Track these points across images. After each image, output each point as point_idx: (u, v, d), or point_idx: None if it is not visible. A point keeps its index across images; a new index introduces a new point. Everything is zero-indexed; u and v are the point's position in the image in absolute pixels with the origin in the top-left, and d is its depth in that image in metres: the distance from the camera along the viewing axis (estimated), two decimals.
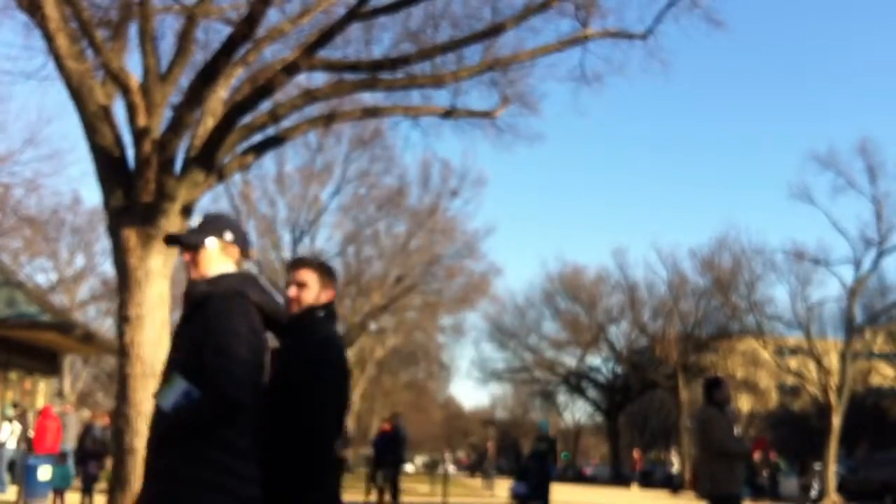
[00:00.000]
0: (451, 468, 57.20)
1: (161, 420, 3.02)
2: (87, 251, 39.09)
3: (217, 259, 3.28)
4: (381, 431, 19.48)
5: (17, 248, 31.34)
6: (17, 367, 21.79)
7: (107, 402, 41.46)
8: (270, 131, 13.51)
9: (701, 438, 7.28)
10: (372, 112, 15.83)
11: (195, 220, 3.36)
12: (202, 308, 3.10)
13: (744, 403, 52.66)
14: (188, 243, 3.29)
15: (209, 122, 12.41)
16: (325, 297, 3.64)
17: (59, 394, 30.44)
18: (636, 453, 47.73)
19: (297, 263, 3.75)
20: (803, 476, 32.76)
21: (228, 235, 3.32)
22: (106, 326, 36.47)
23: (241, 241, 3.38)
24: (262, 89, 12.04)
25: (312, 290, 3.60)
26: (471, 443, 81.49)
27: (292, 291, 3.60)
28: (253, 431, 3.10)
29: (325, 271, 3.73)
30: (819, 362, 33.55)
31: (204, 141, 12.08)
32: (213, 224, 3.34)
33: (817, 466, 32.37)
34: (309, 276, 3.62)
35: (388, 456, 17.83)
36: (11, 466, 16.69)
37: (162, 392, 3.05)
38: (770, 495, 30.89)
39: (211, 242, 3.28)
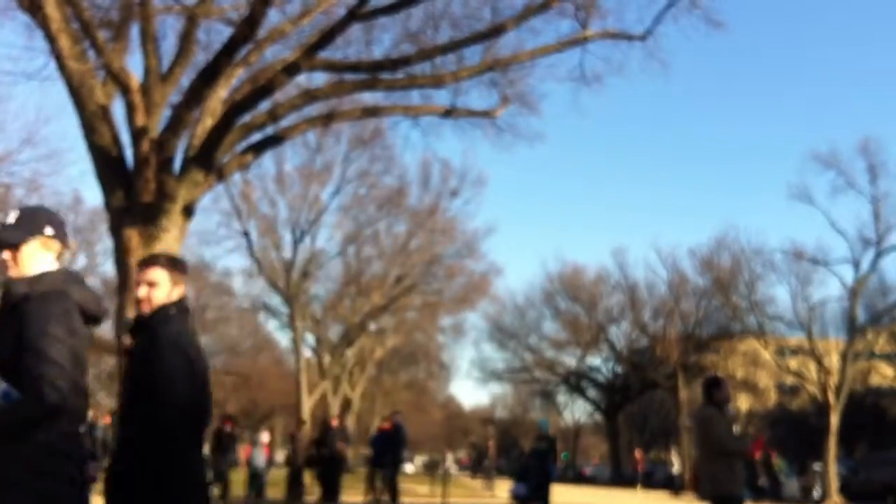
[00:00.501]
0: (453, 468, 57.16)
1: None
2: (89, 251, 39.11)
3: (38, 255, 3.15)
4: (380, 430, 19.41)
5: None
6: None
7: (108, 403, 41.49)
8: (270, 131, 13.53)
9: (700, 438, 7.28)
10: (372, 112, 15.84)
11: (11, 216, 3.19)
12: (20, 308, 3.00)
13: (742, 403, 52.68)
14: (7, 241, 3.12)
15: (208, 122, 12.43)
16: (177, 293, 3.61)
17: None
18: (638, 454, 47.40)
19: (145, 262, 3.67)
20: (803, 477, 32.77)
21: (49, 230, 3.18)
22: (105, 326, 36.46)
23: (62, 235, 3.25)
24: (262, 89, 12.06)
25: (163, 288, 3.57)
26: (471, 442, 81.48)
27: (142, 291, 3.56)
28: (76, 432, 3.05)
29: (175, 267, 3.67)
30: (820, 362, 33.56)
31: (203, 140, 12.11)
32: (33, 219, 3.19)
33: (817, 467, 32.36)
34: (159, 275, 3.58)
35: (387, 456, 17.76)
36: None
37: None
38: (772, 496, 30.87)
39: (31, 238, 3.14)
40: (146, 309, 3.55)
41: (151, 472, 3.29)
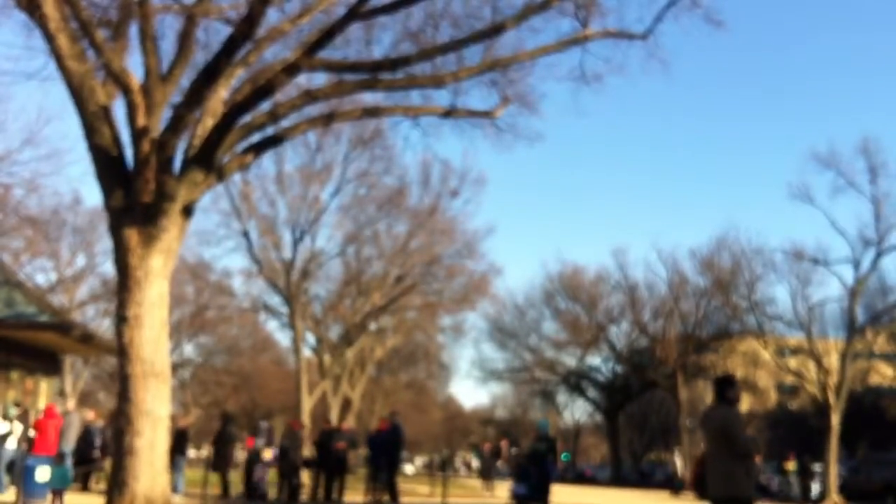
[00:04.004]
0: (462, 470, 56.92)
1: None
2: (88, 251, 39.10)
3: None
4: (377, 430, 19.33)
5: (18, 247, 31.31)
6: (18, 368, 21.77)
7: (108, 402, 41.47)
8: (270, 131, 13.51)
9: (717, 438, 7.08)
10: (372, 112, 15.82)
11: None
12: None
13: (743, 403, 52.60)
14: None
15: (209, 122, 12.42)
16: None
17: (61, 393, 30.44)
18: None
19: None
20: (803, 476, 32.74)
21: None
22: (105, 326, 36.46)
23: None
24: (262, 89, 12.04)
25: None
26: (471, 443, 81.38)
27: None
28: None
29: None
30: (819, 362, 33.51)
31: (203, 141, 12.09)
32: None
33: (817, 467, 32.33)
34: None
35: (384, 457, 17.68)
36: (10, 467, 16.67)
37: None
38: (783, 498, 30.90)
39: None
40: None
41: None
